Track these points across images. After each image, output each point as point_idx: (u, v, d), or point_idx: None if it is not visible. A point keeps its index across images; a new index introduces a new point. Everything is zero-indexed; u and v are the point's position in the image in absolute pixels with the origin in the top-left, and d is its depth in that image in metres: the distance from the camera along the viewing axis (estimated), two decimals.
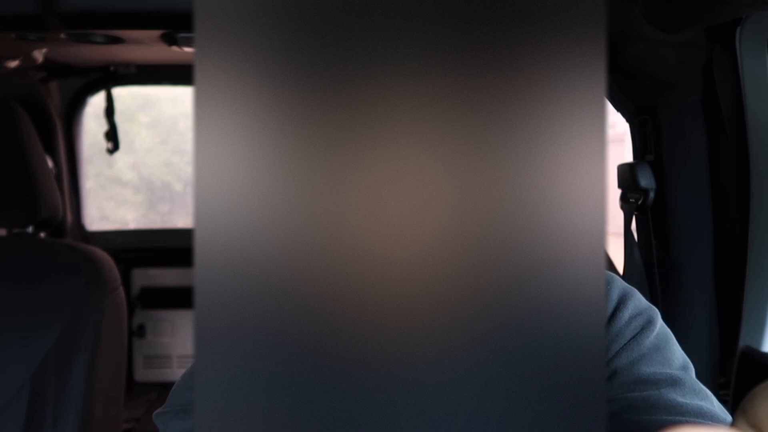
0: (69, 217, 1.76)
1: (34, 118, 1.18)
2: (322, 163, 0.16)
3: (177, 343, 2.03)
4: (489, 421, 0.16)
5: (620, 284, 0.51)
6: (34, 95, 1.64)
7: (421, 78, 0.16)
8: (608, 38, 0.16)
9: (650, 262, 1.04)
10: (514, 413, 0.16)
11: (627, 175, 1.05)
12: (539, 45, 0.16)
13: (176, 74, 1.79)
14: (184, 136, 4.04)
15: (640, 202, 1.03)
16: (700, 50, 0.92)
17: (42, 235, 1.34)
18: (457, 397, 0.17)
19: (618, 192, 1.11)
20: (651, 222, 1.04)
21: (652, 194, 1.02)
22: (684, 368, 0.46)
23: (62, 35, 1.19)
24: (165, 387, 2.00)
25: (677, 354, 0.47)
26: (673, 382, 0.44)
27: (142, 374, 2.03)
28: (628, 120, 1.10)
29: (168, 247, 2.03)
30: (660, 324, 0.49)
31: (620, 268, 1.12)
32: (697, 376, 0.47)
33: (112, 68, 1.67)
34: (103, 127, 1.88)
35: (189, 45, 1.24)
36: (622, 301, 0.50)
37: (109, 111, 1.86)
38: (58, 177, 1.67)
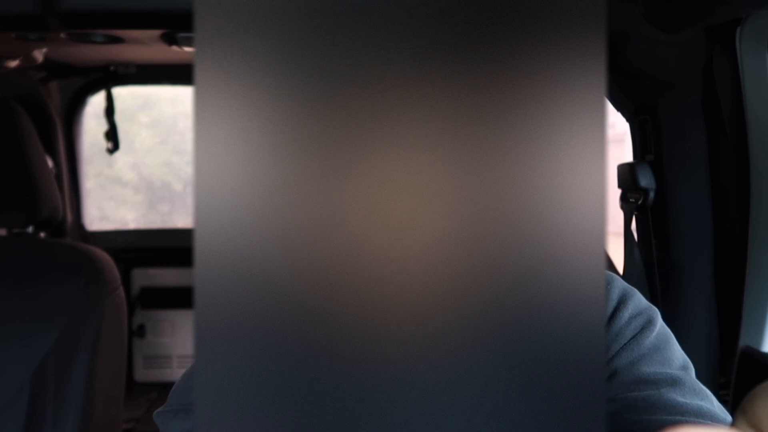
0: (69, 217, 1.76)
1: (34, 118, 1.18)
2: (322, 162, 0.16)
3: (177, 343, 2.03)
4: (489, 421, 0.16)
5: (620, 284, 0.51)
6: (34, 95, 1.64)
7: (420, 78, 0.16)
8: (608, 38, 0.16)
9: (650, 262, 1.04)
10: (514, 413, 0.17)
11: (627, 175, 1.05)
12: (539, 45, 0.16)
13: (176, 74, 1.79)
14: (184, 136, 4.04)
15: (640, 202, 1.03)
16: (700, 50, 0.92)
17: (42, 235, 1.34)
18: (458, 397, 0.17)
19: (618, 192, 1.11)
20: (651, 222, 1.04)
21: (652, 194, 1.02)
22: (684, 368, 0.46)
23: (62, 35, 1.19)
24: (165, 387, 2.00)
25: (677, 354, 0.47)
26: (673, 382, 0.44)
27: (142, 374, 2.03)
28: (628, 120, 1.10)
29: (168, 247, 2.03)
30: (660, 324, 0.49)
31: (620, 268, 1.12)
32: (697, 376, 0.47)
33: (112, 68, 1.67)
34: (103, 126, 1.88)
35: (189, 45, 1.24)
36: (622, 301, 0.50)
37: (109, 111, 1.86)
38: (58, 177, 1.67)
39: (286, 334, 0.16)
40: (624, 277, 1.07)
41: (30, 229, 1.18)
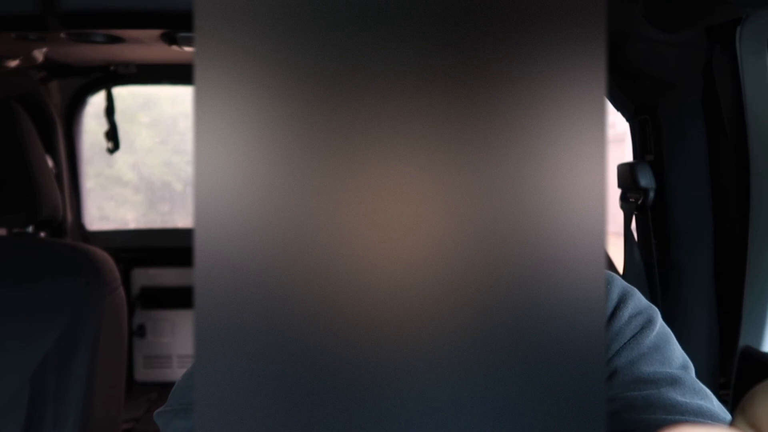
0: (69, 217, 1.76)
1: (34, 118, 1.18)
2: (322, 162, 0.16)
3: (177, 343, 2.03)
4: (489, 421, 0.17)
5: (620, 284, 0.51)
6: (34, 95, 1.64)
7: (420, 78, 0.16)
8: (608, 38, 0.16)
9: (650, 262, 1.04)
10: (514, 413, 0.17)
11: (627, 175, 1.05)
12: (539, 45, 0.16)
13: (176, 74, 1.79)
14: (184, 136, 4.04)
15: (640, 202, 1.03)
16: (700, 50, 0.92)
17: (42, 235, 1.34)
18: (458, 398, 0.17)
19: (618, 192, 1.11)
20: (651, 222, 1.04)
21: (652, 194, 1.02)
22: (684, 367, 0.46)
23: (62, 35, 1.19)
24: (165, 387, 2.00)
25: (677, 353, 0.47)
26: (673, 382, 0.44)
27: (142, 374, 2.03)
28: (628, 120, 1.10)
29: (168, 247, 2.03)
30: (660, 323, 0.49)
31: (620, 268, 1.12)
32: (697, 375, 0.47)
33: (112, 68, 1.67)
34: (103, 126, 1.88)
35: (189, 45, 1.24)
36: (622, 301, 0.50)
37: (109, 111, 1.86)
38: (58, 177, 1.67)
39: (286, 334, 0.16)
40: (624, 277, 1.07)
41: (30, 229, 1.18)
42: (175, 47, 1.27)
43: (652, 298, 1.03)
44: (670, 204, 1.00)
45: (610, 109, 1.13)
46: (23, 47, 1.27)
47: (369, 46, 0.16)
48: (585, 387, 0.16)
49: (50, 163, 1.46)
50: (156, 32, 1.19)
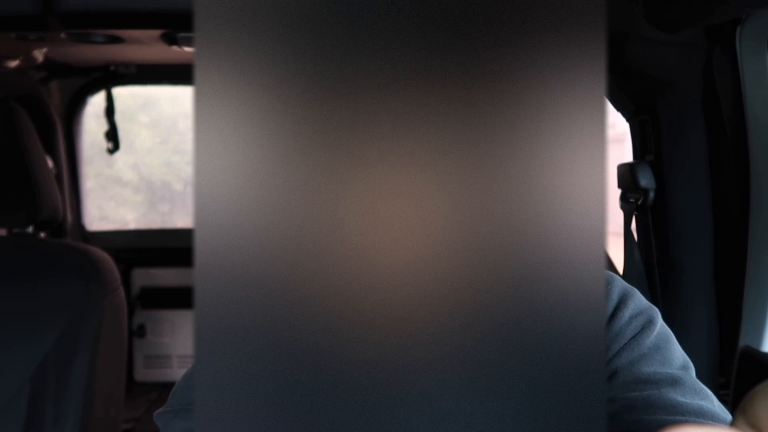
0: (69, 217, 1.76)
1: (34, 118, 1.18)
2: (322, 162, 0.16)
3: (177, 343, 2.03)
4: (489, 421, 0.16)
5: (620, 284, 0.51)
6: (34, 95, 1.64)
7: (420, 78, 0.16)
8: (608, 38, 0.16)
9: (650, 262, 1.04)
10: (514, 413, 0.17)
11: (627, 175, 1.05)
12: (539, 45, 0.16)
13: (176, 74, 1.79)
14: (184, 136, 4.04)
15: (640, 202, 1.03)
16: (700, 50, 0.92)
17: (42, 235, 1.34)
18: (458, 398, 0.17)
19: (618, 192, 1.11)
20: (651, 222, 1.04)
21: (651, 194, 1.02)
22: (684, 368, 0.46)
23: (62, 35, 1.19)
24: (165, 387, 2.00)
25: (677, 354, 0.47)
26: (674, 382, 0.44)
27: (142, 374, 2.03)
28: (628, 120, 1.10)
29: (168, 247, 2.03)
30: (660, 324, 0.49)
31: (620, 268, 1.12)
32: (697, 375, 0.47)
33: (112, 68, 1.67)
34: (103, 127, 1.88)
35: (189, 45, 1.24)
36: (622, 301, 0.50)
37: (109, 111, 1.86)
38: (58, 177, 1.67)
39: (286, 334, 0.16)
40: (624, 277, 1.07)
41: (30, 230, 1.18)
42: (175, 47, 1.27)
43: (652, 298, 1.03)
44: (670, 204, 1.00)
45: (610, 109, 1.13)
46: (23, 47, 1.27)
47: (369, 46, 0.16)
48: (585, 387, 0.16)
49: (50, 163, 1.46)
50: (156, 32, 1.19)
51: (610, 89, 1.07)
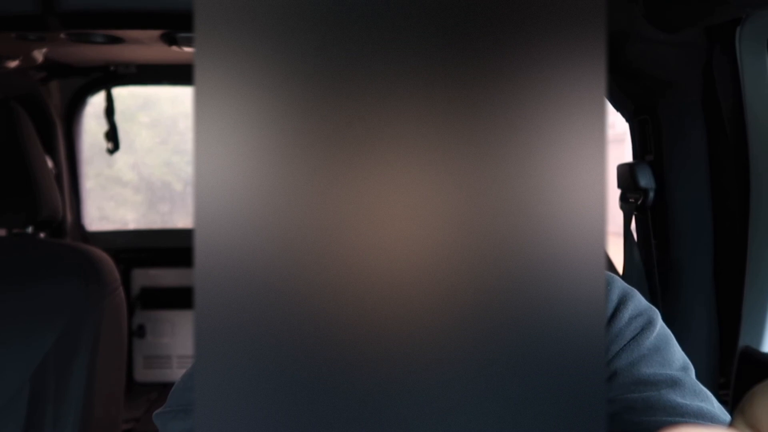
0: (69, 217, 1.76)
1: (34, 118, 1.18)
2: (322, 162, 0.16)
3: (177, 343, 2.03)
4: (489, 421, 0.16)
5: (620, 285, 0.51)
6: (34, 95, 1.64)
7: (420, 78, 0.16)
8: (608, 38, 0.16)
9: (650, 262, 1.04)
10: (514, 413, 0.16)
11: (627, 175, 1.05)
12: (539, 45, 0.16)
13: (176, 74, 1.79)
14: (184, 136, 4.04)
15: (639, 202, 1.03)
16: (700, 50, 0.92)
17: (42, 235, 1.34)
18: (458, 398, 0.17)
19: (618, 192, 1.11)
20: (651, 222, 1.04)
21: (651, 194, 1.02)
22: (684, 369, 0.46)
23: (62, 35, 1.19)
24: (165, 387, 2.00)
25: (677, 355, 0.47)
26: (673, 383, 0.44)
27: (142, 374, 2.03)
28: (628, 120, 1.10)
29: (168, 247, 2.03)
30: (660, 325, 0.49)
31: (620, 268, 1.12)
32: (697, 376, 0.47)
33: (112, 68, 1.67)
34: (103, 127, 1.88)
35: (189, 45, 1.24)
36: (622, 302, 0.50)
37: (109, 111, 1.86)
38: (58, 177, 1.67)
39: (286, 334, 0.16)
40: (624, 277, 1.07)
41: (30, 230, 1.18)
42: (175, 47, 1.27)
43: (652, 298, 1.03)
44: (670, 204, 1.00)
45: (610, 109, 1.13)
46: (23, 47, 1.27)
47: (369, 46, 0.16)
48: (585, 388, 0.16)
49: (50, 163, 1.47)
50: (156, 32, 1.19)
51: (610, 89, 1.07)
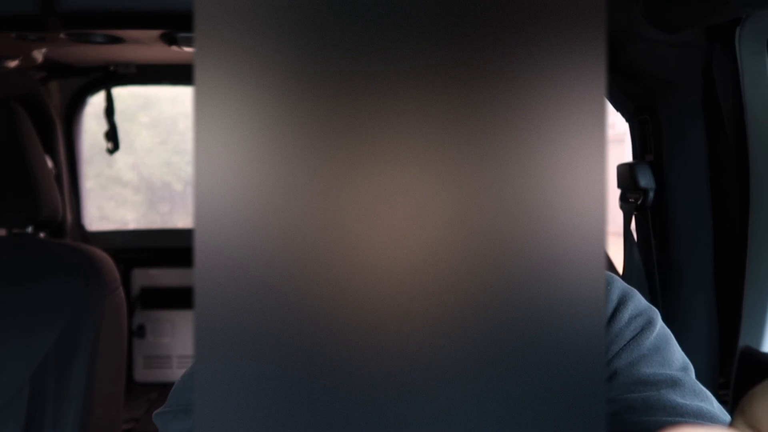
0: (69, 217, 1.76)
1: (34, 118, 1.18)
2: (322, 162, 0.16)
3: (177, 343, 2.03)
4: (489, 421, 0.16)
5: (620, 285, 0.51)
6: (34, 95, 1.64)
7: (420, 78, 0.16)
8: (608, 38, 0.16)
9: (650, 262, 1.04)
10: (514, 413, 0.16)
11: (627, 175, 1.05)
12: (539, 45, 0.16)
13: (176, 74, 1.79)
14: (184, 136, 4.05)
15: (639, 202, 1.03)
16: (700, 50, 0.92)
17: (42, 235, 1.34)
18: (457, 398, 0.17)
19: (618, 192, 1.11)
20: (651, 222, 1.04)
21: (651, 194, 1.02)
22: (684, 369, 0.46)
23: (62, 35, 1.19)
24: (165, 387, 2.00)
25: (677, 355, 0.47)
26: (673, 383, 0.44)
27: (142, 374, 2.03)
28: (628, 120, 1.10)
29: (168, 247, 2.03)
30: (660, 325, 0.49)
31: (620, 268, 1.12)
32: (697, 376, 0.47)
33: (112, 68, 1.67)
34: (103, 127, 1.88)
35: (189, 45, 1.24)
36: (622, 302, 0.50)
37: (109, 111, 1.86)
38: (58, 177, 1.67)
39: (286, 334, 0.16)
40: (624, 277, 1.07)
41: (30, 230, 1.18)
42: (175, 47, 1.27)
43: (652, 298, 1.03)
44: (670, 204, 1.00)
45: (610, 109, 1.13)
46: (23, 47, 1.27)
47: (369, 46, 0.16)
48: (585, 388, 0.16)
49: (50, 163, 1.46)
50: (156, 32, 1.19)
51: (610, 89, 1.07)
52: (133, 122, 4.00)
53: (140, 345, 2.02)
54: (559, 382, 0.16)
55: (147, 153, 4.30)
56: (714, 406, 0.44)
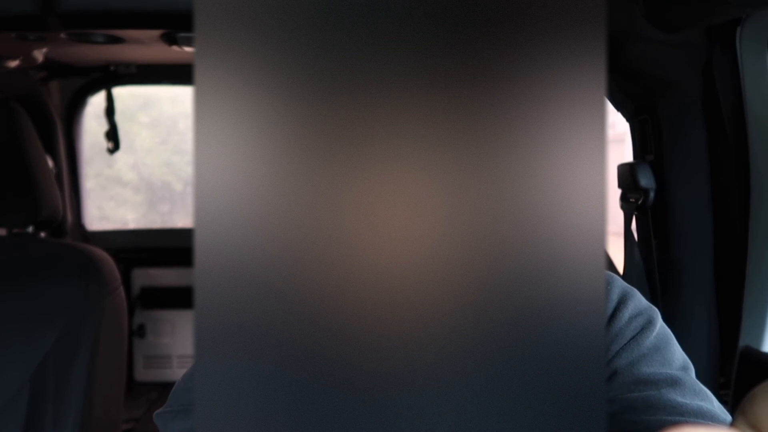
0: (69, 217, 1.76)
1: (34, 118, 1.18)
2: (322, 162, 0.16)
3: (177, 343, 2.03)
4: (489, 421, 0.16)
5: (620, 284, 0.51)
6: (34, 95, 1.64)
7: (420, 78, 0.16)
8: (608, 38, 0.16)
9: (650, 262, 1.04)
10: (514, 413, 0.16)
11: (627, 175, 1.05)
12: (539, 45, 0.16)
13: (176, 74, 1.79)
14: (184, 136, 4.05)
15: (640, 202, 1.03)
16: (700, 50, 0.92)
17: (42, 235, 1.34)
18: (458, 398, 0.17)
19: (618, 192, 1.11)
20: (651, 222, 1.04)
21: (652, 194, 1.02)
22: (684, 368, 0.46)
23: (62, 35, 1.19)
24: (165, 387, 2.00)
25: (677, 354, 0.47)
26: (673, 383, 0.44)
27: (142, 374, 2.03)
28: (628, 120, 1.10)
29: (168, 247, 2.03)
30: (660, 324, 0.49)
31: (620, 268, 1.12)
32: (697, 376, 0.47)
33: (112, 68, 1.67)
34: (103, 127, 1.88)
35: (189, 45, 1.24)
36: (622, 301, 0.50)
37: (109, 111, 1.86)
38: (58, 177, 1.67)
39: (286, 334, 0.16)
40: (624, 277, 1.07)
41: (30, 229, 1.18)
42: (175, 47, 1.27)
43: (652, 298, 1.03)
44: (670, 204, 1.00)
45: (610, 109, 1.13)
46: (23, 47, 1.27)
47: (369, 46, 0.16)
48: (585, 388, 0.16)
49: (50, 163, 1.46)
50: (156, 32, 1.19)
51: (610, 89, 1.07)
52: (133, 122, 4.00)
53: (140, 345, 2.02)
54: (559, 382, 0.16)
55: (147, 153, 4.30)
56: (714, 405, 0.44)
